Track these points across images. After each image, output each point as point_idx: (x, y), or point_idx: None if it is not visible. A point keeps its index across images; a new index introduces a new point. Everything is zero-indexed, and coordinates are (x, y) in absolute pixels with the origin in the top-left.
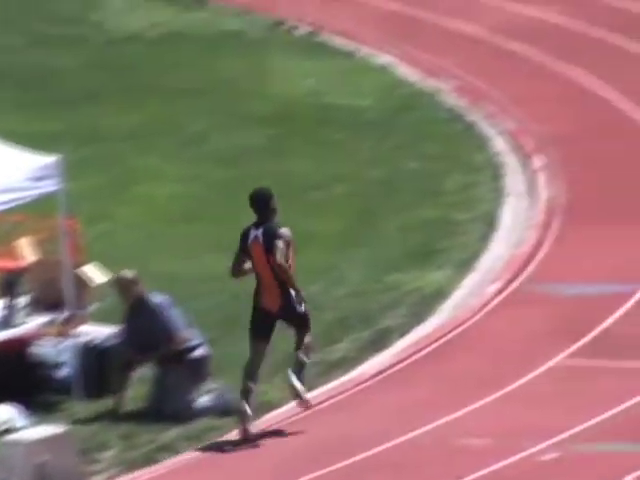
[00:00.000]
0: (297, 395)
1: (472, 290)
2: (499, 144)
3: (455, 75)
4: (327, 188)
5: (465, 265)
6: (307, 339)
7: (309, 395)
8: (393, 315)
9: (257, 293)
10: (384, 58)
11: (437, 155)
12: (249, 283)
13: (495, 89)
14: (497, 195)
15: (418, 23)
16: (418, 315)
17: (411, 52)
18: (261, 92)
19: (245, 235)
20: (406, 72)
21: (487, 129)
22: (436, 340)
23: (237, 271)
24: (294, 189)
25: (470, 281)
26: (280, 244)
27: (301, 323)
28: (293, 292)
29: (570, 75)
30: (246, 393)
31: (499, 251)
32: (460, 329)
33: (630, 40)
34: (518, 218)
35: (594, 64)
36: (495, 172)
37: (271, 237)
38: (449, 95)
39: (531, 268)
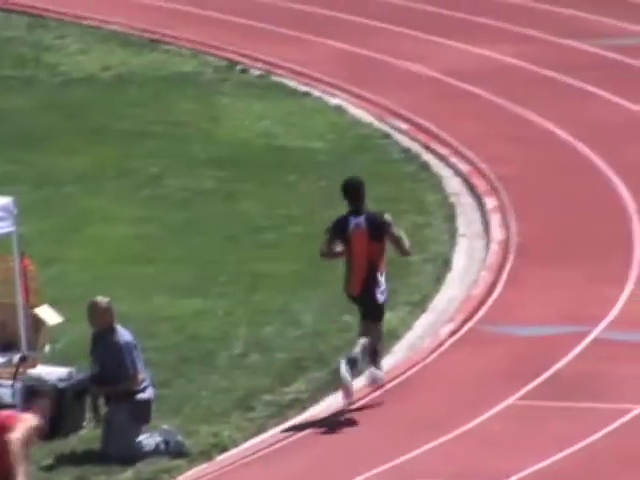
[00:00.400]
0: (346, 388)
1: (426, 331)
2: (453, 185)
3: (409, 116)
4: (281, 230)
5: (419, 306)
6: (379, 345)
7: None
8: None
9: (347, 281)
10: (338, 99)
11: (391, 196)
12: (203, 325)
13: (449, 130)
14: (451, 236)
15: (372, 64)
16: None
17: (365, 93)
18: (214, 134)
19: (343, 223)
20: (360, 113)
21: (441, 170)
22: (390, 381)
23: (330, 250)
24: (247, 231)
25: (424, 322)
26: (398, 232)
27: (376, 314)
28: (381, 280)
29: (523, 116)
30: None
31: (453, 292)
32: (414, 370)
33: (583, 80)
34: (472, 259)
35: (547, 105)
36: (449, 213)
37: (380, 226)
38: (403, 136)
39: (485, 309)
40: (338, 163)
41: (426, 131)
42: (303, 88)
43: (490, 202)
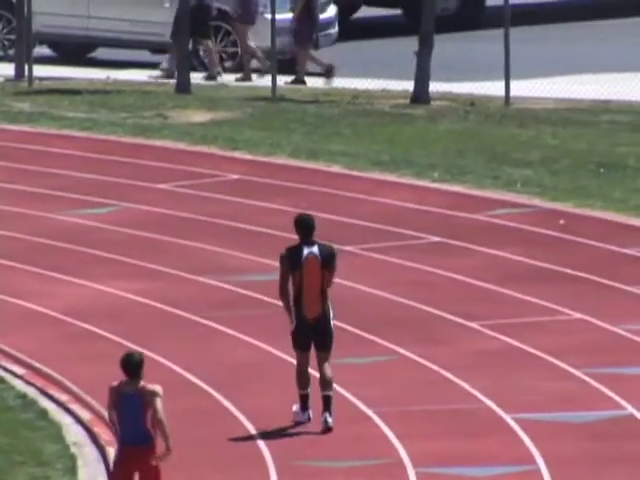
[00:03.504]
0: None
1: None
2: (74, 434)
3: (25, 359)
4: None
5: None
6: (329, 373)
7: None
8: None
9: (299, 305)
10: None
11: (5, 447)
12: None
13: (69, 374)
14: None
15: None
16: None
17: None
18: None
19: (295, 253)
20: None
21: (61, 417)
22: None
23: (287, 291)
24: None
25: None
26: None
27: (328, 340)
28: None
29: (149, 358)
30: (306, 400)
31: None
32: None
33: (212, 319)
34: None
35: (174, 346)
36: (70, 464)
37: (330, 256)
38: (19, 381)
39: None
40: None
41: (44, 376)
42: None
43: (113, 453)
